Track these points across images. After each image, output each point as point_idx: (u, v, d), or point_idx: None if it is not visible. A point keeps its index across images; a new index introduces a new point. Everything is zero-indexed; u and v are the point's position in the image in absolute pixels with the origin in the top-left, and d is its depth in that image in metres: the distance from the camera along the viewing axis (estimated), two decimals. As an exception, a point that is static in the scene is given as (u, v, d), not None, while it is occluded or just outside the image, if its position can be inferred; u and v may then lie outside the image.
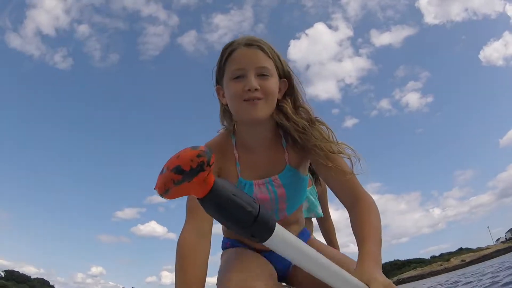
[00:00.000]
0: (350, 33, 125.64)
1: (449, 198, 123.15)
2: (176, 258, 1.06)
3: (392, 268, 59.83)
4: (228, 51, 1.15)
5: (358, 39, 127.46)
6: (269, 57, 1.14)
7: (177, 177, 0.61)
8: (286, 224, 1.25)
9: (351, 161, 1.13)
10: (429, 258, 65.10)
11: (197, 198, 0.67)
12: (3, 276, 60.26)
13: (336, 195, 1.16)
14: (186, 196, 1.19)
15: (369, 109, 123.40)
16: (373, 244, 0.96)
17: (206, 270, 1.06)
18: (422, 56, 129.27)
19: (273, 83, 1.13)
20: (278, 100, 1.17)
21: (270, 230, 0.70)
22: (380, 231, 1.03)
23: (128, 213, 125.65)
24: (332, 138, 1.16)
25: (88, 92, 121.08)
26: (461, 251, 62.97)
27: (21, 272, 65.72)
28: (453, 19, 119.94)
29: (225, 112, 1.23)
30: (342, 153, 1.14)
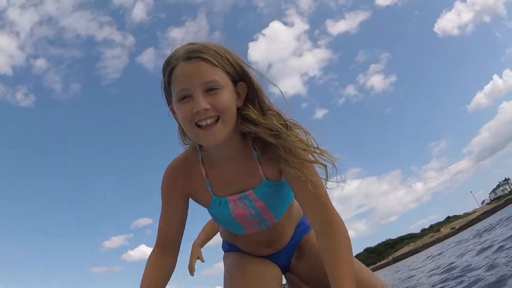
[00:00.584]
0: (306, 26, 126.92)
1: (428, 170, 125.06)
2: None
3: (386, 248, 59.50)
4: (168, 70, 1.00)
5: (315, 31, 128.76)
6: (216, 65, 0.98)
7: None
8: (279, 227, 1.24)
9: (326, 171, 1.04)
10: (419, 232, 65.47)
11: None
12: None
13: (304, 213, 1.10)
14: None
15: (336, 98, 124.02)
16: None
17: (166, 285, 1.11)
18: (379, 38, 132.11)
19: (226, 96, 0.98)
20: (239, 108, 1.03)
21: None
22: (352, 264, 0.98)
23: (115, 241, 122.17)
24: (310, 141, 1.04)
25: (55, 126, 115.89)
26: (449, 219, 63.74)
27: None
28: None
29: (184, 132, 1.10)
30: (318, 163, 1.03)
